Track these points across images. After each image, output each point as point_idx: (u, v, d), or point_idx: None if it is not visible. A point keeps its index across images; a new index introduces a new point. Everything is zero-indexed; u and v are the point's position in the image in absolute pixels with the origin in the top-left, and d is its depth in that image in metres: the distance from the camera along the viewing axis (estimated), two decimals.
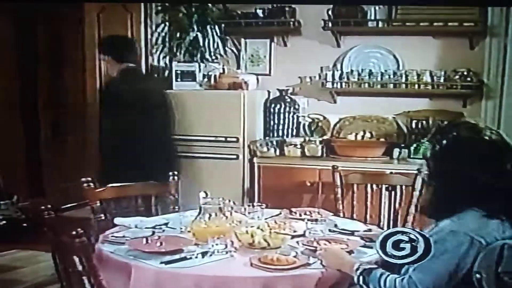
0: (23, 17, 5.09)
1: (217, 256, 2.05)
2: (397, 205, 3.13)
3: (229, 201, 2.34)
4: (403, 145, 3.92)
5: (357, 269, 1.89)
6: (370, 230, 2.41)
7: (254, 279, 1.89)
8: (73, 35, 4.91)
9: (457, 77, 3.89)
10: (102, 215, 2.73)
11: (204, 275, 1.91)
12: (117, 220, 2.54)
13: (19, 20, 5.10)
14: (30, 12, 5.09)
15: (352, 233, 2.37)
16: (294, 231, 2.28)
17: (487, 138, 1.86)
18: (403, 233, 1.79)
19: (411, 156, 3.81)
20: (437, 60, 3.99)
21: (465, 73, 3.88)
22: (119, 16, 4.38)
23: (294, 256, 2.00)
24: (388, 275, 1.83)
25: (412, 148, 3.82)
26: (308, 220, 2.46)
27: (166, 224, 2.50)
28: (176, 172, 3.06)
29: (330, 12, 4.03)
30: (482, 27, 3.83)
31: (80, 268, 1.82)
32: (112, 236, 2.30)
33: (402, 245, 1.77)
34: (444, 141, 1.90)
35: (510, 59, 3.83)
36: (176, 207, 2.96)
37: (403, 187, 3.11)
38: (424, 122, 3.99)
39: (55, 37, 5.33)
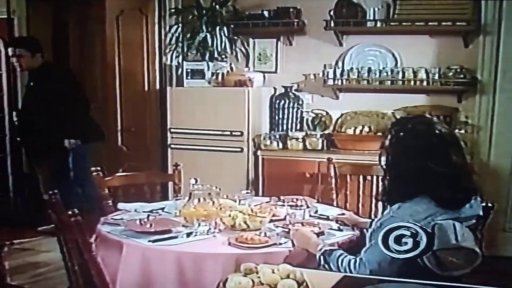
0: (58, 18, 5.48)
1: (200, 236, 2.30)
2: None
3: (216, 187, 2.57)
4: None
5: (320, 250, 2.11)
6: (343, 214, 2.62)
7: (229, 255, 2.12)
8: (98, 35, 5.25)
9: (451, 74, 4.04)
10: (110, 201, 3.00)
11: (185, 252, 2.16)
12: (120, 205, 2.82)
13: (55, 21, 5.48)
14: (63, 14, 5.46)
15: (327, 217, 2.59)
16: (274, 215, 2.50)
17: (437, 132, 2.01)
18: (405, 227, 1.78)
19: None
20: (433, 57, 4.15)
21: (459, 70, 4.02)
22: (136, 18, 4.70)
23: (265, 235, 2.23)
24: (346, 256, 2.04)
25: None
26: (289, 206, 2.68)
27: (162, 208, 2.74)
28: (179, 163, 3.32)
29: (332, 13, 4.23)
30: (476, 26, 3.97)
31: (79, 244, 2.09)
32: (111, 218, 2.58)
33: (404, 240, 1.76)
34: (401, 133, 2.08)
35: (503, 57, 3.97)
36: (179, 195, 3.20)
37: None
38: None
39: (84, 36, 5.68)
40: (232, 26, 4.43)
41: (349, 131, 4.20)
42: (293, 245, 2.20)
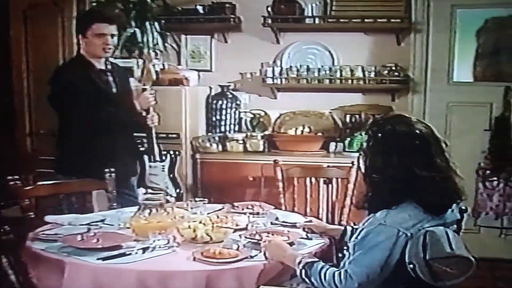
0: None
1: (159, 251, 2.04)
2: (333, 198, 3.23)
3: (171, 196, 2.31)
4: (338, 139, 4.05)
5: (299, 263, 1.92)
6: (310, 221, 2.45)
7: (197, 272, 1.89)
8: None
9: (386, 72, 4.04)
10: (32, 213, 2.62)
11: (146, 270, 1.89)
12: (48, 218, 2.46)
13: None
14: None
15: (292, 225, 2.41)
16: (237, 225, 2.28)
17: (418, 132, 1.88)
18: None
19: (346, 150, 3.94)
20: (368, 55, 4.15)
21: (393, 68, 4.04)
22: (49, 13, 4.22)
23: (237, 249, 2.01)
24: (328, 269, 1.87)
25: (346, 142, 3.95)
26: (250, 213, 2.47)
27: (102, 220, 2.46)
28: (113, 169, 2.97)
29: (269, 9, 4.09)
30: (408, 24, 4.01)
31: (6, 266, 1.74)
32: (43, 234, 2.23)
33: None
34: (380, 134, 1.93)
35: (432, 56, 4.05)
36: (114, 204, 2.91)
37: (339, 180, 3.21)
38: (357, 116, 4.15)
39: None
40: (163, 21, 4.14)
41: (290, 131, 4.08)
42: (266, 257, 2.00)
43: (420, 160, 1.84)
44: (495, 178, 4.09)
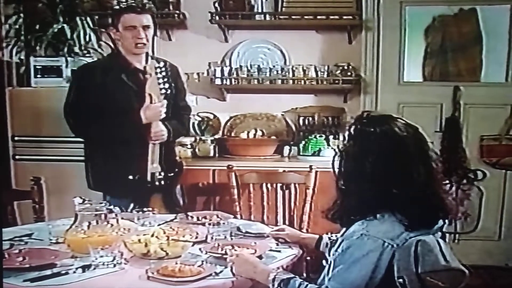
0: None
1: (103, 269, 1.75)
2: (292, 205, 3.04)
3: (114, 206, 1.97)
4: (292, 142, 3.86)
5: (274, 279, 1.66)
6: (282, 229, 2.17)
7: None
8: None
9: (338, 72, 3.89)
10: None
11: None
12: None
13: None
14: None
15: (257, 235, 2.14)
16: (196, 237, 1.97)
17: (397, 140, 1.60)
18: None
19: (301, 154, 3.76)
20: (320, 55, 3.97)
21: (346, 67, 3.88)
22: None
23: (200, 266, 1.73)
24: (307, 286, 1.63)
25: (301, 145, 3.77)
26: (209, 224, 2.17)
27: (29, 235, 2.17)
28: (40, 177, 2.62)
29: (217, 4, 3.86)
30: (359, 21, 3.88)
31: None
32: None
33: None
34: (359, 136, 1.65)
35: (383, 54, 3.93)
36: (42, 216, 2.60)
37: (297, 185, 3.03)
38: (310, 118, 3.97)
39: None
40: (97, 17, 3.76)
41: (242, 135, 3.85)
42: (233, 274, 1.72)
43: (395, 174, 1.58)
44: (447, 182, 3.97)
